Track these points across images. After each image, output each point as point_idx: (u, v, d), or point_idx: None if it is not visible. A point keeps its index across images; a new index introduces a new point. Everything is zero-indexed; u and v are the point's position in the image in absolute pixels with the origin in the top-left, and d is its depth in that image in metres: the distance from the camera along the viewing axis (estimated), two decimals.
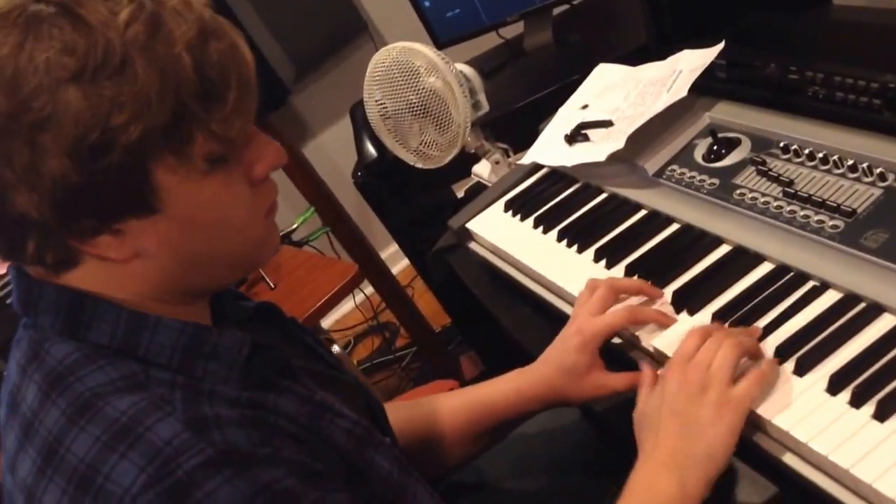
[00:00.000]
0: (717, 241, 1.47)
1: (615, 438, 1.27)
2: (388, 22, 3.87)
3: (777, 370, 1.19)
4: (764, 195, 1.45)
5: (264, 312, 1.36)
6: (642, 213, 1.64)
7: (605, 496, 1.22)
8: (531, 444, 1.73)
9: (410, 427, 1.55)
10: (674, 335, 1.34)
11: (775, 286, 1.33)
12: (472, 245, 1.93)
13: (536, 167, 1.95)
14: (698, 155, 1.63)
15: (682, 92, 1.66)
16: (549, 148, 1.90)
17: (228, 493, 0.95)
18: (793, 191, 1.41)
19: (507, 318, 1.78)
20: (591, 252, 1.62)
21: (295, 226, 2.82)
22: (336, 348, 2.51)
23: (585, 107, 1.92)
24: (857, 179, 1.36)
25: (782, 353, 1.21)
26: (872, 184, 1.34)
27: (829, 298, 1.26)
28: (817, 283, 1.29)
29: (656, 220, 1.60)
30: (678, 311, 1.39)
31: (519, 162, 2.03)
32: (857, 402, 1.10)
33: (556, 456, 1.72)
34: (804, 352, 1.20)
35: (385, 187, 2.88)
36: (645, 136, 1.69)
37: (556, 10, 2.89)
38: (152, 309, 1.09)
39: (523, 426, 1.61)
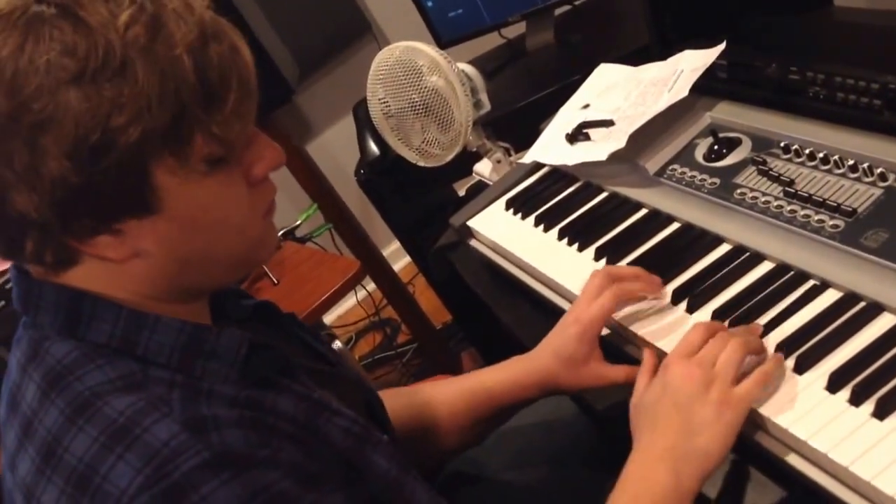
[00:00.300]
0: (718, 240, 1.47)
1: (614, 432, 1.27)
2: (392, 22, 3.87)
3: (782, 369, 1.19)
4: (764, 195, 1.45)
5: (263, 311, 1.37)
6: (643, 212, 1.65)
7: (604, 489, 1.22)
8: (530, 436, 1.74)
9: (409, 413, 1.55)
10: (675, 334, 1.34)
11: (775, 285, 1.33)
12: (473, 243, 1.93)
13: (537, 166, 1.95)
14: (699, 154, 1.63)
15: (683, 92, 1.66)
16: (551, 147, 1.90)
17: (225, 496, 0.95)
18: (793, 190, 1.41)
19: (508, 316, 1.78)
20: (591, 250, 1.62)
21: (298, 222, 2.82)
22: (338, 344, 2.51)
23: (586, 106, 1.92)
24: (858, 179, 1.36)
25: (782, 351, 1.22)
26: (873, 184, 1.34)
27: (829, 297, 1.26)
28: (817, 283, 1.30)
29: (657, 219, 1.61)
30: (678, 310, 1.39)
31: (520, 161, 2.03)
32: (856, 400, 1.10)
33: (554, 448, 1.72)
34: (804, 350, 1.20)
35: (387, 185, 2.88)
36: (646, 136, 1.69)
37: (558, 11, 2.89)
38: (151, 308, 1.09)
39: (522, 418, 1.61)
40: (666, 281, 1.45)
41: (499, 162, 2.15)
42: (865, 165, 1.36)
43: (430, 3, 2.94)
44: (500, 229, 1.85)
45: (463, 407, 1.55)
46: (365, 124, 2.87)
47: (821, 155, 1.43)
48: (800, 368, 1.18)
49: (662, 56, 1.83)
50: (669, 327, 1.37)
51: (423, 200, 2.96)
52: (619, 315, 1.43)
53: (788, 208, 1.40)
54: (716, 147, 1.60)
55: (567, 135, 1.85)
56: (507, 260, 1.80)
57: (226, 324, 1.24)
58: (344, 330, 4.22)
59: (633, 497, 1.19)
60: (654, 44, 1.90)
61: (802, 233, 1.35)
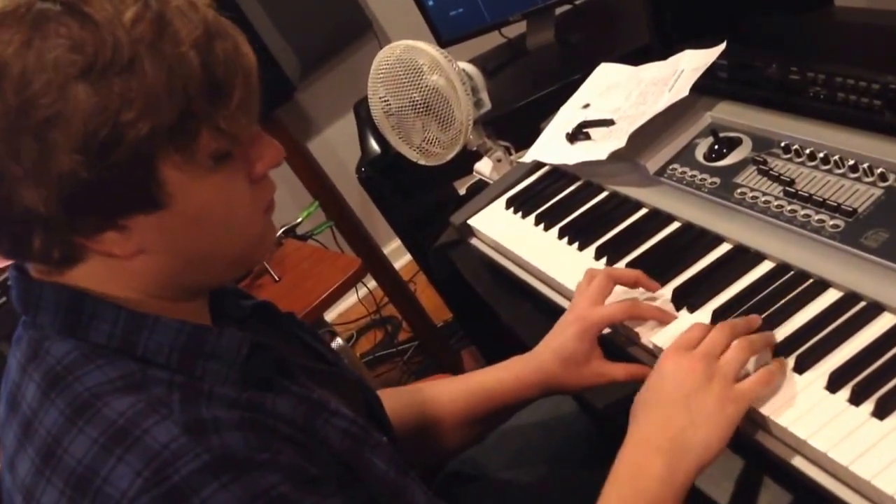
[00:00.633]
0: (718, 240, 1.48)
1: (613, 430, 1.27)
2: (393, 20, 3.88)
3: (785, 373, 1.19)
4: (765, 194, 1.45)
5: (262, 311, 1.37)
6: (643, 211, 1.65)
7: (601, 488, 1.22)
8: (529, 435, 1.74)
9: (410, 413, 1.56)
10: (675, 334, 1.34)
11: (776, 285, 1.33)
12: (474, 241, 1.93)
13: (538, 165, 1.95)
14: (699, 154, 1.63)
15: (684, 91, 1.66)
16: (551, 146, 1.91)
17: (225, 499, 0.95)
18: (793, 190, 1.41)
19: (508, 314, 1.78)
20: (591, 250, 1.62)
21: (299, 220, 2.83)
22: (339, 341, 2.52)
23: (587, 106, 1.93)
24: (858, 179, 1.36)
25: (782, 350, 1.22)
26: (873, 184, 1.34)
27: (830, 297, 1.27)
28: (817, 282, 1.30)
29: (657, 219, 1.61)
30: (678, 309, 1.39)
31: (520, 160, 2.03)
32: (856, 399, 1.10)
33: (554, 448, 1.72)
34: (804, 349, 1.20)
35: (388, 183, 2.88)
36: (646, 135, 1.70)
37: (559, 10, 2.89)
38: (152, 307, 1.09)
39: (522, 418, 1.61)
40: (666, 280, 1.45)
41: (499, 161, 2.15)
42: (866, 165, 1.36)
43: (430, 2, 2.94)
44: (501, 228, 1.85)
45: (463, 406, 1.55)
46: (366, 122, 2.88)
47: (821, 155, 1.43)
48: (800, 368, 1.18)
49: (663, 56, 1.83)
50: (670, 327, 1.37)
51: (424, 199, 2.96)
52: None
53: (789, 208, 1.40)
54: (716, 147, 1.60)
55: (567, 134, 1.85)
56: (508, 258, 1.80)
57: (225, 324, 1.24)
58: (345, 328, 4.22)
59: (627, 488, 1.19)
60: (654, 43, 1.90)
61: (803, 232, 1.36)
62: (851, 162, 1.38)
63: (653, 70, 1.83)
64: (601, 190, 1.77)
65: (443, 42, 2.93)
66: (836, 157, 1.41)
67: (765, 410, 1.16)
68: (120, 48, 0.95)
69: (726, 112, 1.68)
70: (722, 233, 1.47)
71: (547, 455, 1.71)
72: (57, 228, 1.00)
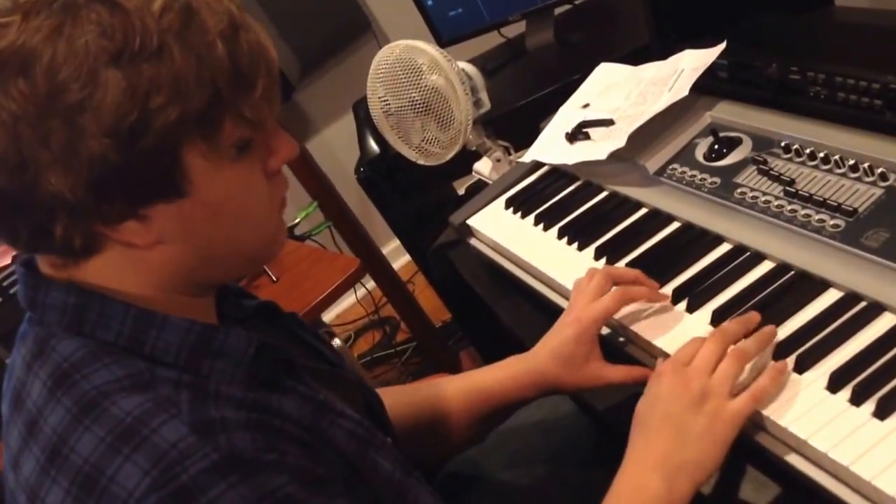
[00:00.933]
0: (718, 240, 1.47)
1: (612, 433, 1.28)
2: (392, 20, 3.88)
3: (780, 381, 1.18)
4: (765, 194, 1.45)
5: (265, 311, 1.37)
6: (643, 211, 1.65)
7: (602, 489, 1.22)
8: (529, 436, 1.73)
9: (410, 412, 1.56)
10: (674, 334, 1.34)
11: (776, 285, 1.33)
12: (473, 241, 1.93)
13: (537, 165, 1.95)
14: (699, 154, 1.63)
15: (684, 91, 1.66)
16: (551, 146, 1.91)
17: (232, 499, 0.95)
18: (794, 190, 1.41)
19: (507, 315, 1.78)
20: (591, 250, 1.62)
21: (297, 220, 2.83)
22: (337, 342, 2.51)
23: (587, 106, 1.92)
24: (858, 179, 1.36)
25: (782, 350, 1.22)
26: (873, 184, 1.34)
27: (830, 297, 1.26)
28: (818, 282, 1.29)
29: (657, 219, 1.61)
30: (678, 309, 1.39)
31: (520, 160, 2.03)
32: (857, 399, 1.10)
33: (553, 449, 1.72)
34: (804, 350, 1.20)
35: (387, 183, 2.88)
36: (646, 135, 1.69)
37: (558, 10, 2.89)
38: (162, 303, 1.09)
39: (521, 418, 1.61)
40: (666, 280, 1.45)
41: (498, 161, 2.15)
42: (866, 165, 1.36)
43: (430, 2, 2.95)
44: (500, 228, 1.85)
45: (462, 405, 1.55)
46: (365, 122, 2.88)
47: (821, 155, 1.43)
48: (800, 368, 1.18)
49: (663, 55, 1.83)
50: (669, 327, 1.37)
51: (423, 199, 2.96)
52: (618, 314, 1.43)
53: (789, 208, 1.40)
54: (716, 146, 1.60)
55: (567, 134, 1.85)
56: (507, 259, 1.80)
57: (231, 323, 1.24)
58: (343, 328, 4.22)
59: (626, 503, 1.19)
60: (654, 43, 1.90)
61: (803, 232, 1.35)
62: (852, 162, 1.38)
63: (652, 70, 1.83)
64: (601, 190, 1.76)
65: (442, 42, 2.93)
66: (837, 157, 1.41)
67: (765, 410, 1.16)
68: (149, 36, 0.96)
69: (726, 112, 1.68)
70: (722, 233, 1.47)
71: (546, 456, 1.71)
72: (81, 215, 1.00)
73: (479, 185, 2.26)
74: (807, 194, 1.39)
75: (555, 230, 1.72)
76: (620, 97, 1.84)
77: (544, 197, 1.84)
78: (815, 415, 1.12)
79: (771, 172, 1.47)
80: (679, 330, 1.34)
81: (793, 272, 1.33)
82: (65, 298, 1.07)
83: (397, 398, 1.54)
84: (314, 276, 2.52)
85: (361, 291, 4.02)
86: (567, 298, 1.56)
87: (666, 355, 1.30)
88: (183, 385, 1.03)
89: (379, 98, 2.09)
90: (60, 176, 0.97)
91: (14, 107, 0.95)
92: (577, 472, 1.66)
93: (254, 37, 1.05)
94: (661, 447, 1.18)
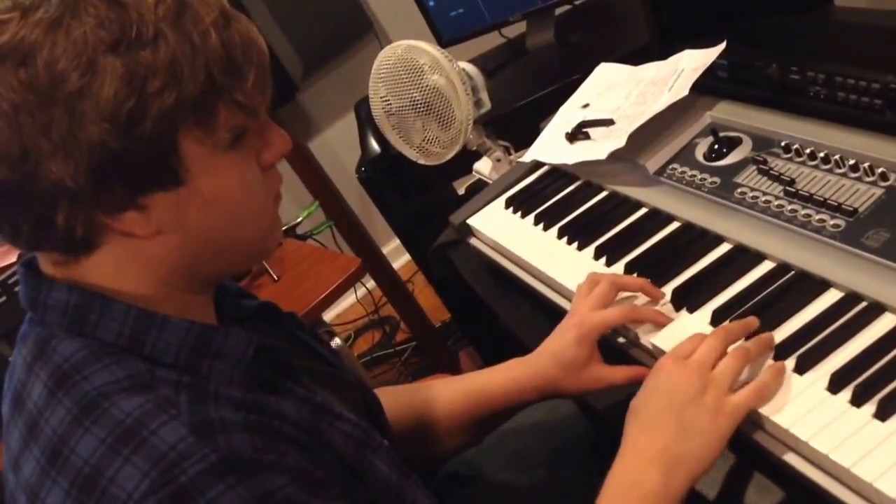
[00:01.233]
0: (718, 240, 1.47)
1: (612, 434, 1.27)
2: (393, 21, 3.88)
3: (781, 379, 1.18)
4: (765, 194, 1.45)
5: (264, 311, 1.37)
6: (643, 211, 1.65)
7: (599, 489, 1.21)
8: (527, 437, 1.73)
9: (409, 413, 1.55)
10: (674, 334, 1.34)
11: (776, 285, 1.33)
12: (473, 241, 1.93)
13: (537, 165, 1.95)
14: (699, 154, 1.63)
15: (684, 91, 1.66)
16: (551, 146, 1.90)
17: (231, 501, 0.95)
18: (794, 190, 1.41)
19: (507, 314, 1.78)
20: (591, 249, 1.62)
21: (299, 219, 2.83)
22: (337, 341, 2.52)
23: (586, 106, 1.92)
24: (859, 179, 1.36)
25: (783, 350, 1.21)
26: (874, 183, 1.34)
27: (830, 297, 1.26)
28: (818, 282, 1.29)
29: (657, 219, 1.60)
30: (678, 309, 1.39)
31: (520, 160, 2.03)
32: (857, 400, 1.09)
33: (551, 449, 1.72)
34: (804, 350, 1.20)
35: (388, 183, 2.88)
36: (646, 135, 1.69)
37: (559, 11, 2.89)
38: (162, 302, 1.10)
39: (519, 419, 1.61)
40: (666, 280, 1.45)
41: (499, 160, 2.15)
42: (866, 165, 1.35)
43: (431, 3, 2.95)
44: (500, 228, 1.85)
45: (461, 408, 1.55)
46: (366, 122, 2.88)
47: (821, 154, 1.43)
48: (801, 369, 1.18)
49: (662, 55, 1.82)
50: (669, 327, 1.36)
51: (423, 199, 2.96)
52: None
53: (789, 208, 1.40)
54: (716, 146, 1.60)
55: (567, 134, 1.85)
56: (507, 258, 1.80)
57: (230, 324, 1.25)
58: (343, 328, 4.22)
59: (621, 498, 1.19)
60: (654, 43, 1.89)
61: (803, 232, 1.35)
62: (852, 161, 1.38)
63: (652, 70, 1.83)
64: (601, 190, 1.76)
65: (443, 42, 2.93)
66: (837, 157, 1.40)
67: (765, 411, 1.16)
68: (145, 25, 0.99)
69: (726, 112, 1.67)
70: (722, 233, 1.47)
71: (544, 457, 1.71)
72: (82, 203, 1.01)
73: (480, 185, 2.26)
74: (807, 194, 1.39)
75: (555, 230, 1.72)
76: (620, 97, 1.83)
77: (544, 197, 1.84)
78: (815, 416, 1.11)
79: (771, 172, 1.47)
80: (679, 330, 1.34)
81: (793, 272, 1.33)
82: (66, 299, 1.07)
83: (396, 399, 1.54)
84: (315, 276, 2.52)
85: (361, 291, 4.03)
86: (566, 298, 1.57)
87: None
88: (182, 386, 1.04)
89: (380, 98, 2.09)
90: (61, 164, 0.98)
91: (15, 97, 0.96)
92: (575, 473, 1.66)
93: (245, 28, 1.07)
94: (662, 439, 1.18)
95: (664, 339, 1.34)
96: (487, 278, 1.88)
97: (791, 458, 1.12)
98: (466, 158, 2.20)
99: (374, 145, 2.86)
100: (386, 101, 2.09)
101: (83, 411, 1.00)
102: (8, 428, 1.11)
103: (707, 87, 1.70)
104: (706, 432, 1.16)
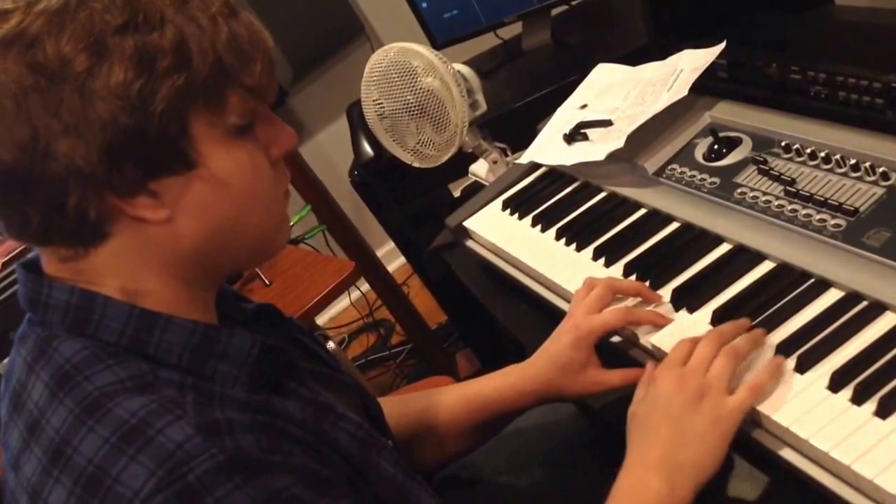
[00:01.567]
0: (718, 240, 1.47)
1: (610, 433, 1.27)
2: (385, 23, 3.88)
3: (777, 374, 1.18)
4: (765, 194, 1.45)
5: (264, 313, 1.37)
6: (642, 211, 1.64)
7: (600, 491, 1.22)
8: (526, 438, 1.74)
9: (408, 421, 1.56)
10: (673, 333, 1.34)
11: (776, 285, 1.33)
12: (469, 243, 1.92)
13: (534, 166, 1.94)
14: (699, 154, 1.63)
15: (683, 91, 1.66)
16: (548, 147, 1.90)
17: (238, 500, 0.95)
18: (794, 190, 1.41)
19: (504, 316, 1.77)
20: (589, 250, 1.62)
21: (291, 224, 2.82)
22: (331, 345, 2.51)
23: (584, 106, 1.92)
24: (860, 179, 1.36)
25: (783, 350, 1.21)
26: (875, 183, 1.34)
27: (831, 297, 1.26)
28: (819, 282, 1.29)
29: (656, 219, 1.60)
30: (677, 309, 1.39)
31: (517, 161, 2.03)
32: (858, 399, 1.09)
33: (550, 451, 1.72)
34: (805, 349, 1.20)
35: (381, 186, 2.87)
36: (645, 136, 1.69)
37: (555, 11, 2.89)
38: (167, 300, 1.10)
39: (518, 421, 1.61)
40: (666, 280, 1.45)
41: (495, 163, 2.15)
42: (867, 165, 1.35)
43: (424, 5, 2.93)
44: (497, 230, 1.84)
45: (460, 415, 1.55)
46: (359, 125, 2.87)
47: (822, 154, 1.43)
48: (801, 368, 1.18)
49: (661, 55, 1.82)
50: (669, 327, 1.36)
51: (418, 202, 2.95)
52: None
53: (789, 208, 1.40)
54: (716, 146, 1.60)
55: (565, 135, 1.84)
56: (504, 260, 1.79)
57: (232, 325, 1.24)
58: (337, 331, 4.21)
59: None
60: (652, 43, 1.89)
61: (804, 232, 1.35)
62: (853, 161, 1.38)
63: (651, 70, 1.83)
64: (599, 191, 1.76)
65: (437, 44, 2.92)
66: (838, 157, 1.40)
67: (766, 410, 1.16)
68: (153, 9, 1.01)
69: (726, 112, 1.67)
70: (722, 233, 1.47)
71: (544, 458, 1.71)
72: (95, 184, 1.01)
73: (476, 187, 2.26)
74: (807, 194, 1.39)
75: (553, 231, 1.72)
76: (619, 98, 1.83)
77: (542, 198, 1.84)
78: (816, 414, 1.11)
79: (771, 172, 1.47)
80: (679, 330, 1.34)
81: (793, 272, 1.33)
82: (67, 299, 1.07)
83: (394, 408, 1.54)
84: (308, 280, 2.52)
85: (355, 294, 4.02)
86: (565, 299, 1.56)
87: (665, 355, 1.30)
88: (187, 387, 1.04)
89: (373, 101, 2.09)
90: (72, 144, 0.98)
91: (23, 80, 0.97)
92: (574, 473, 1.66)
93: (249, 20, 1.09)
94: (662, 447, 1.18)
95: (664, 340, 1.34)
96: (484, 280, 1.88)
97: (792, 456, 1.12)
98: (462, 161, 2.19)
99: (367, 149, 2.85)
100: (379, 104, 2.08)
101: (86, 411, 1.00)
102: (7, 428, 1.11)
103: (707, 87, 1.70)
104: (707, 437, 1.16)
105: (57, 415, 1.02)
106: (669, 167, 1.65)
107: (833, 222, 1.33)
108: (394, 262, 4.13)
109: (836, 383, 1.13)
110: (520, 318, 1.72)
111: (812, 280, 1.30)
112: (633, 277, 1.49)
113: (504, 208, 1.88)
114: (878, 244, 1.25)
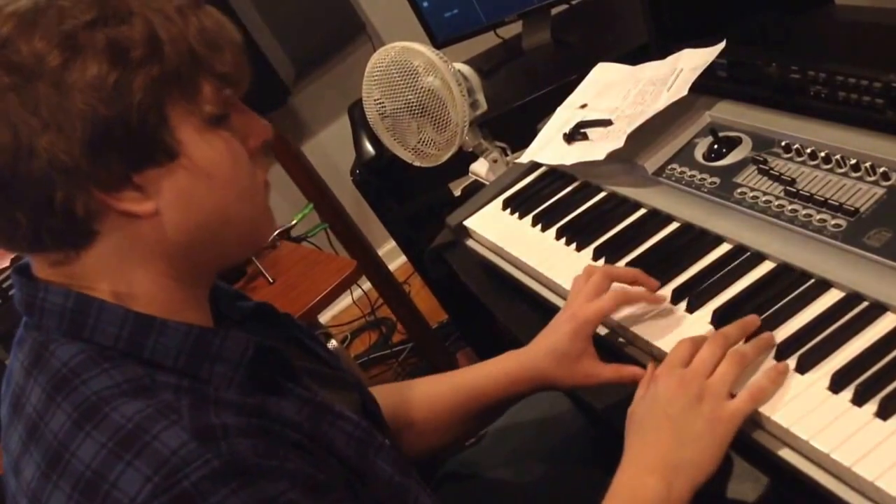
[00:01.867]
0: (718, 240, 1.47)
1: (610, 432, 1.27)
2: (387, 23, 3.88)
3: (780, 381, 1.18)
4: (765, 194, 1.44)
5: (261, 312, 1.37)
6: (642, 211, 1.64)
7: (599, 487, 1.22)
8: (525, 434, 1.74)
9: (403, 409, 1.56)
10: (674, 334, 1.34)
11: (776, 285, 1.32)
12: (470, 242, 1.92)
13: (535, 166, 1.94)
14: (699, 154, 1.62)
15: (683, 91, 1.66)
16: (548, 147, 1.90)
17: None
18: (794, 190, 1.41)
19: (505, 315, 1.78)
20: (589, 250, 1.62)
21: (294, 222, 2.83)
22: (333, 343, 2.51)
23: (584, 106, 1.92)
24: (860, 179, 1.36)
25: (784, 350, 1.21)
26: (875, 183, 1.34)
27: (832, 297, 1.26)
28: (819, 282, 1.29)
29: (656, 219, 1.60)
30: (678, 310, 1.39)
31: (517, 161, 2.03)
32: (859, 400, 1.09)
33: (549, 447, 1.72)
34: (806, 350, 1.19)
35: (383, 185, 2.87)
36: (645, 135, 1.69)
37: (555, 10, 2.88)
38: (161, 301, 1.10)
39: (517, 417, 1.63)
40: (666, 280, 1.44)
41: (495, 162, 2.15)
42: (868, 165, 1.35)
43: (425, 4, 2.93)
44: (498, 229, 1.84)
45: (454, 402, 1.55)
46: (360, 125, 2.87)
47: (822, 154, 1.42)
48: (802, 368, 1.18)
49: (661, 55, 1.82)
50: (669, 327, 1.36)
51: (419, 200, 2.95)
52: (617, 315, 1.43)
53: (790, 208, 1.39)
54: (716, 146, 1.60)
55: (565, 134, 1.84)
56: (504, 259, 1.79)
57: (228, 326, 1.25)
58: (339, 329, 4.22)
59: None
60: (652, 42, 1.89)
61: (804, 232, 1.35)
62: (853, 161, 1.37)
63: (651, 69, 1.82)
64: (599, 190, 1.76)
65: (438, 43, 2.92)
66: (838, 157, 1.40)
67: (766, 411, 1.15)
68: (119, 3, 1.02)
69: (726, 111, 1.67)
70: (722, 233, 1.46)
71: (543, 454, 1.71)
72: (80, 179, 1.01)
73: (476, 187, 2.26)
74: (808, 194, 1.38)
75: (553, 230, 1.72)
76: (618, 97, 1.83)
77: (542, 197, 1.84)
78: (817, 415, 1.11)
79: (771, 172, 1.47)
80: (679, 330, 1.34)
81: (794, 272, 1.33)
82: (63, 303, 1.07)
83: (390, 395, 1.55)
84: (311, 278, 2.52)
85: (357, 293, 4.02)
86: (565, 299, 1.56)
87: (665, 356, 1.30)
88: (183, 390, 1.04)
89: (374, 100, 2.09)
90: (53, 139, 0.99)
91: (0, 80, 0.98)
92: (574, 470, 1.67)
93: (216, 14, 1.10)
94: (660, 448, 1.19)
95: (664, 340, 1.34)
96: (485, 279, 1.88)
97: (792, 458, 1.12)
98: (463, 160, 2.19)
99: (369, 148, 2.85)
100: (380, 103, 2.08)
101: (83, 416, 1.00)
102: (7, 432, 1.11)
103: (706, 86, 1.70)
104: (704, 439, 1.16)
105: (55, 419, 1.02)
106: (669, 167, 1.65)
107: (833, 222, 1.32)
108: (395, 260, 4.14)
109: (836, 384, 1.12)
110: (520, 317, 1.72)
111: (812, 280, 1.30)
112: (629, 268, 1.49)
113: (504, 208, 1.88)
114: (878, 244, 1.25)
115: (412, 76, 2.00)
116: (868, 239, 1.26)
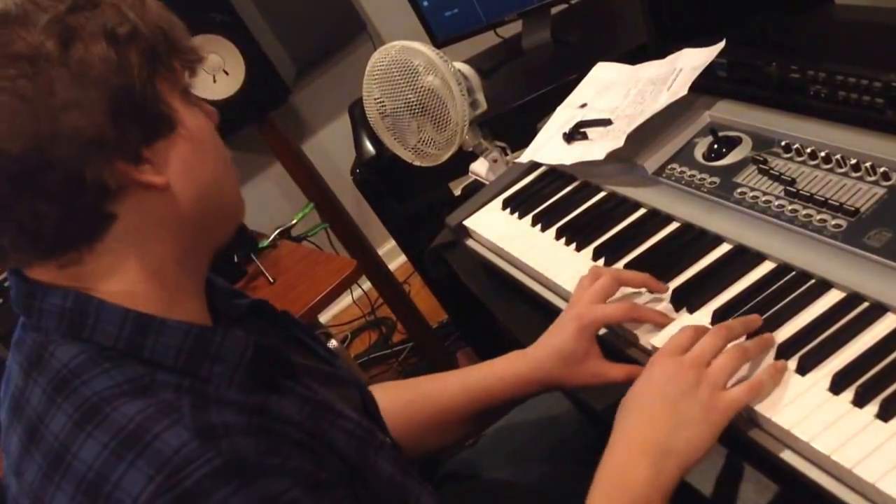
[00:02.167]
0: (718, 240, 1.46)
1: (608, 430, 1.27)
2: (387, 22, 3.88)
3: (778, 378, 1.18)
4: (765, 194, 1.44)
5: (258, 309, 1.37)
6: (642, 211, 1.64)
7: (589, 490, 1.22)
8: (525, 435, 1.74)
9: (411, 407, 1.57)
10: (672, 333, 1.33)
11: (777, 285, 1.32)
12: (470, 242, 1.92)
13: (534, 165, 1.94)
14: (698, 154, 1.62)
15: (682, 91, 1.65)
16: (548, 146, 1.90)
17: None
18: (794, 190, 1.40)
19: (504, 315, 1.78)
20: (589, 250, 1.61)
21: (294, 221, 2.83)
22: (333, 342, 2.51)
23: (584, 105, 1.92)
24: (860, 179, 1.35)
25: (784, 351, 1.21)
26: (875, 183, 1.33)
27: (832, 298, 1.25)
28: (819, 283, 1.28)
29: (656, 219, 1.60)
30: (677, 309, 1.38)
31: (517, 160, 2.03)
32: (860, 401, 1.09)
33: (549, 447, 1.72)
34: (806, 351, 1.19)
35: (383, 185, 2.88)
36: (644, 135, 1.69)
37: (555, 9, 2.88)
38: (161, 299, 1.11)
39: (517, 417, 1.63)
40: (666, 281, 1.44)
41: (495, 161, 2.15)
42: (868, 164, 1.35)
43: (425, 3, 2.93)
44: (497, 228, 1.84)
45: (461, 402, 1.55)
46: (361, 124, 2.87)
47: (822, 154, 1.42)
48: (802, 369, 1.17)
49: (661, 54, 1.82)
50: (669, 328, 1.36)
51: (419, 200, 2.95)
52: None
53: (790, 208, 1.39)
54: (715, 146, 1.59)
55: (564, 134, 1.84)
56: (504, 259, 1.79)
57: (227, 323, 1.25)
58: (339, 329, 4.22)
59: (613, 490, 1.19)
60: (652, 42, 1.89)
61: (804, 232, 1.34)
62: (853, 161, 1.37)
63: (651, 69, 1.82)
64: (599, 190, 1.76)
65: (438, 43, 2.92)
66: (838, 157, 1.40)
67: (767, 412, 1.15)
68: None
69: (726, 111, 1.67)
70: (722, 233, 1.46)
71: (543, 454, 1.72)
72: (107, 148, 1.03)
73: (476, 186, 2.26)
74: (808, 194, 1.38)
75: (553, 230, 1.71)
76: (618, 97, 1.83)
77: (542, 197, 1.83)
78: (817, 417, 1.11)
79: (771, 172, 1.46)
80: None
81: (794, 272, 1.32)
82: (61, 303, 1.07)
83: (396, 394, 1.55)
84: (311, 277, 2.53)
85: (357, 292, 4.02)
86: (564, 299, 1.56)
87: None
88: (184, 390, 1.04)
89: (375, 100, 2.09)
90: (76, 115, 1.01)
91: (9, 71, 0.99)
92: (574, 470, 1.65)
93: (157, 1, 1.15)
94: (654, 430, 1.18)
95: (665, 341, 1.33)
96: (484, 279, 1.88)
97: (793, 459, 1.12)
98: (462, 159, 2.19)
99: (369, 147, 2.85)
100: (380, 102, 2.08)
101: (84, 416, 1.00)
102: (7, 434, 1.11)
103: (706, 86, 1.69)
104: (698, 425, 1.16)
105: (56, 420, 1.02)
106: (669, 167, 1.64)
107: (833, 222, 1.32)
108: (395, 260, 4.14)
109: (837, 385, 1.12)
110: (520, 317, 1.72)
111: (812, 281, 1.29)
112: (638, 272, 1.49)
113: (504, 207, 1.88)
114: (879, 244, 1.25)
115: (412, 75, 2.00)
116: (868, 239, 1.26)
